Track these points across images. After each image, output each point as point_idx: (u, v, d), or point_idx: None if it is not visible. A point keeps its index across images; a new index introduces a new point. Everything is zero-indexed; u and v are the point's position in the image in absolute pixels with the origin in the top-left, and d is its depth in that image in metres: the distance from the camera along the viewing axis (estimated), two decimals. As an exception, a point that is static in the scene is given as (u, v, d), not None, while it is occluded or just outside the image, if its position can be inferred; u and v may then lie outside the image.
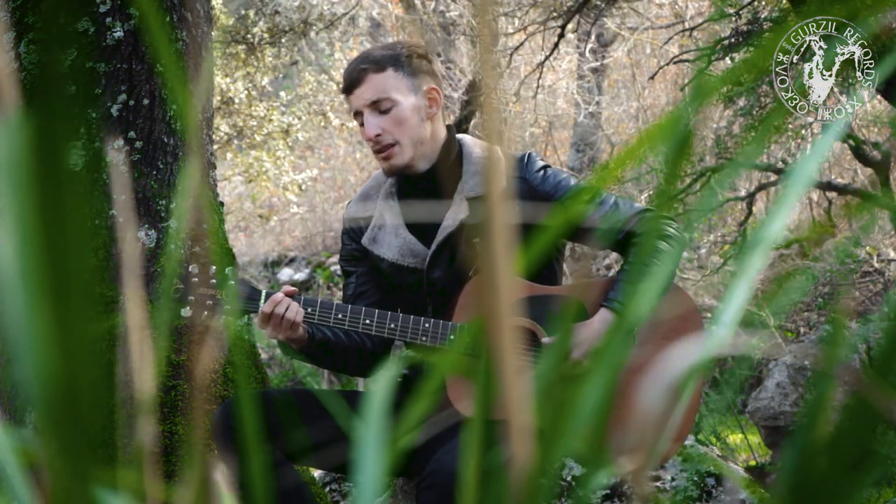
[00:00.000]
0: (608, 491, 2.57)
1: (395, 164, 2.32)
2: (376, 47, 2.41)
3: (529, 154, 2.37)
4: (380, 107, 2.30)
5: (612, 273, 7.97)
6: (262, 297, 2.25)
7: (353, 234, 2.45)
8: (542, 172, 2.33)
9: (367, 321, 2.25)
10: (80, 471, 0.39)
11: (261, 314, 2.21)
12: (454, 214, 2.32)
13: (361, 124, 2.35)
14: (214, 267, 2.32)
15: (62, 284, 0.39)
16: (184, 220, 2.82)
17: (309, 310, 2.23)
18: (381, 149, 2.31)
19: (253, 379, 2.98)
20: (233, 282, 2.29)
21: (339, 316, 2.24)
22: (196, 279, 2.28)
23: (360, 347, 2.37)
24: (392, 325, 2.25)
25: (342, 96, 2.44)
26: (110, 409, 2.50)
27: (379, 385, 0.55)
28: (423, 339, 2.25)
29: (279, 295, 2.22)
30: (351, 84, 2.34)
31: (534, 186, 2.31)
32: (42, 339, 0.39)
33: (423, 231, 2.37)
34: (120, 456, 2.42)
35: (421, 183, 2.36)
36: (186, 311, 2.27)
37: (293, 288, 2.28)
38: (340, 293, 9.01)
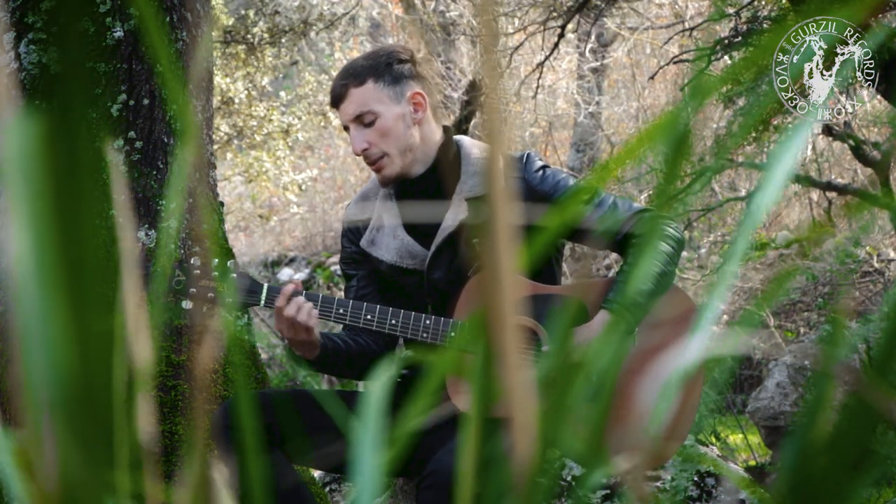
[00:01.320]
0: (608, 490, 2.57)
1: (387, 175, 2.32)
2: (359, 57, 2.41)
3: (528, 154, 2.37)
4: (363, 120, 2.30)
5: (612, 273, 7.97)
6: (264, 291, 2.24)
7: (351, 236, 2.44)
8: (541, 172, 2.33)
9: (368, 317, 2.24)
10: (94, 467, 0.39)
11: (276, 309, 2.19)
12: (454, 215, 2.31)
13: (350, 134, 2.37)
14: (216, 260, 2.33)
15: (77, 281, 0.39)
16: (179, 218, 2.82)
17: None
18: (371, 162, 2.33)
19: (253, 379, 2.98)
20: (234, 275, 2.29)
21: (341, 311, 2.24)
22: (197, 272, 2.28)
23: (367, 352, 2.36)
24: (393, 322, 2.25)
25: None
26: (113, 409, 2.50)
27: (377, 385, 0.55)
28: (424, 335, 2.25)
29: (290, 287, 2.21)
30: (335, 100, 2.35)
31: (533, 186, 2.30)
32: (58, 336, 0.38)
33: (421, 232, 2.36)
34: (120, 456, 2.42)
35: (419, 185, 2.36)
36: (187, 304, 2.27)
37: (297, 281, 2.27)
38: (340, 293, 9.00)
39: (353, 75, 2.32)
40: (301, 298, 2.19)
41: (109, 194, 2.79)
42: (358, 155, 2.34)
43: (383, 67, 2.32)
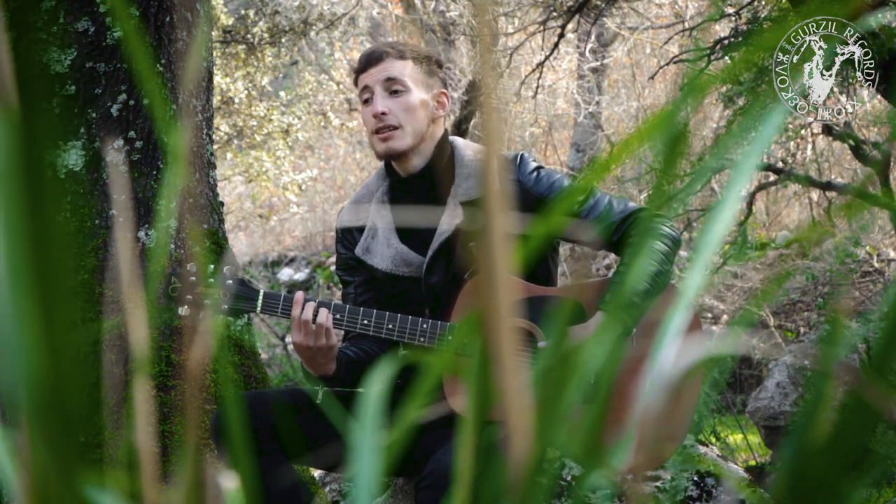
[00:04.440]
0: (608, 490, 2.56)
1: (393, 147, 2.31)
2: (398, 42, 2.44)
3: (522, 155, 2.36)
4: (392, 87, 2.31)
5: (612, 273, 7.97)
6: (260, 297, 2.24)
7: (346, 243, 2.43)
8: (535, 174, 2.32)
9: (365, 321, 2.24)
10: (67, 472, 0.39)
11: (294, 318, 2.18)
12: (449, 219, 2.30)
13: (366, 102, 2.34)
14: (212, 266, 2.32)
15: (47, 289, 0.39)
16: (178, 218, 2.82)
17: None
18: (383, 128, 2.30)
19: (252, 379, 2.98)
20: (230, 281, 2.29)
21: (337, 316, 2.23)
22: (194, 278, 2.27)
23: (377, 359, 2.35)
24: (389, 326, 2.24)
25: (352, 80, 2.45)
26: (110, 409, 2.49)
27: (375, 385, 0.55)
28: (421, 339, 2.24)
29: (300, 294, 2.21)
30: (368, 62, 2.34)
31: (527, 188, 2.30)
32: (27, 343, 0.38)
33: (416, 238, 2.35)
34: (117, 456, 2.42)
35: (414, 186, 2.35)
36: (184, 310, 2.27)
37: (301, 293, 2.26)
38: (339, 294, 9.00)
39: (395, 48, 2.35)
40: (312, 303, 2.19)
41: (109, 194, 2.79)
42: (374, 117, 2.30)
43: (423, 58, 2.36)
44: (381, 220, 2.38)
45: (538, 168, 2.33)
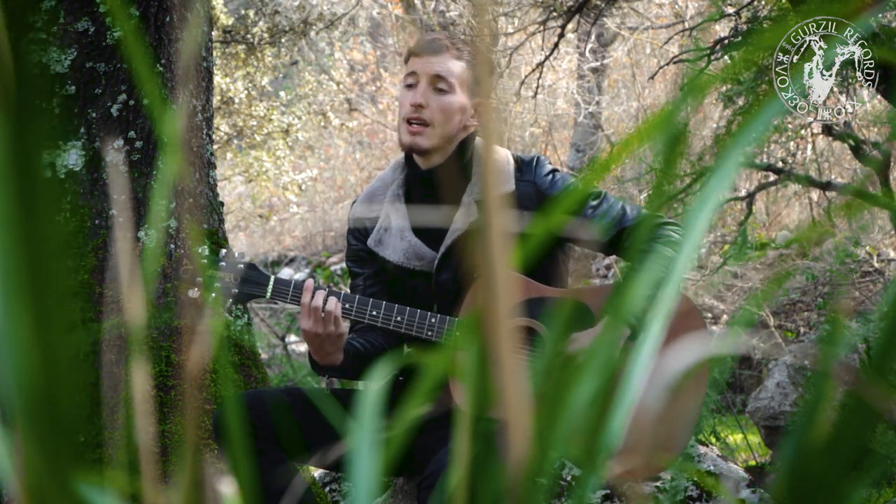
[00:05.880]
0: (608, 491, 2.57)
1: (418, 143, 2.30)
2: (460, 39, 2.42)
3: (538, 157, 2.38)
4: (437, 84, 2.30)
5: (612, 273, 7.97)
6: (270, 283, 2.25)
7: (358, 234, 2.44)
8: (550, 176, 2.34)
9: (374, 312, 2.25)
10: (62, 472, 0.39)
11: (303, 305, 2.18)
12: (464, 217, 2.31)
13: (408, 86, 2.33)
14: (224, 251, 2.33)
15: (43, 290, 0.39)
16: (179, 217, 2.82)
17: None
18: (415, 120, 2.30)
19: (253, 379, 2.98)
20: (241, 265, 2.30)
21: (346, 306, 2.24)
22: (204, 262, 2.29)
23: (383, 352, 2.35)
24: (398, 318, 2.25)
25: (404, 60, 2.43)
26: (110, 409, 2.49)
27: (375, 383, 0.55)
28: (429, 333, 2.25)
29: (310, 282, 2.21)
30: (424, 49, 2.33)
31: (542, 190, 2.31)
32: (22, 344, 0.38)
33: (430, 234, 2.36)
34: (116, 457, 2.42)
35: (431, 181, 2.35)
36: (194, 292, 2.27)
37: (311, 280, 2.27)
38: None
39: (456, 48, 2.33)
40: (322, 291, 2.20)
41: (109, 194, 2.78)
42: (412, 105, 2.29)
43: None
44: (395, 212, 2.38)
45: (554, 171, 2.35)
